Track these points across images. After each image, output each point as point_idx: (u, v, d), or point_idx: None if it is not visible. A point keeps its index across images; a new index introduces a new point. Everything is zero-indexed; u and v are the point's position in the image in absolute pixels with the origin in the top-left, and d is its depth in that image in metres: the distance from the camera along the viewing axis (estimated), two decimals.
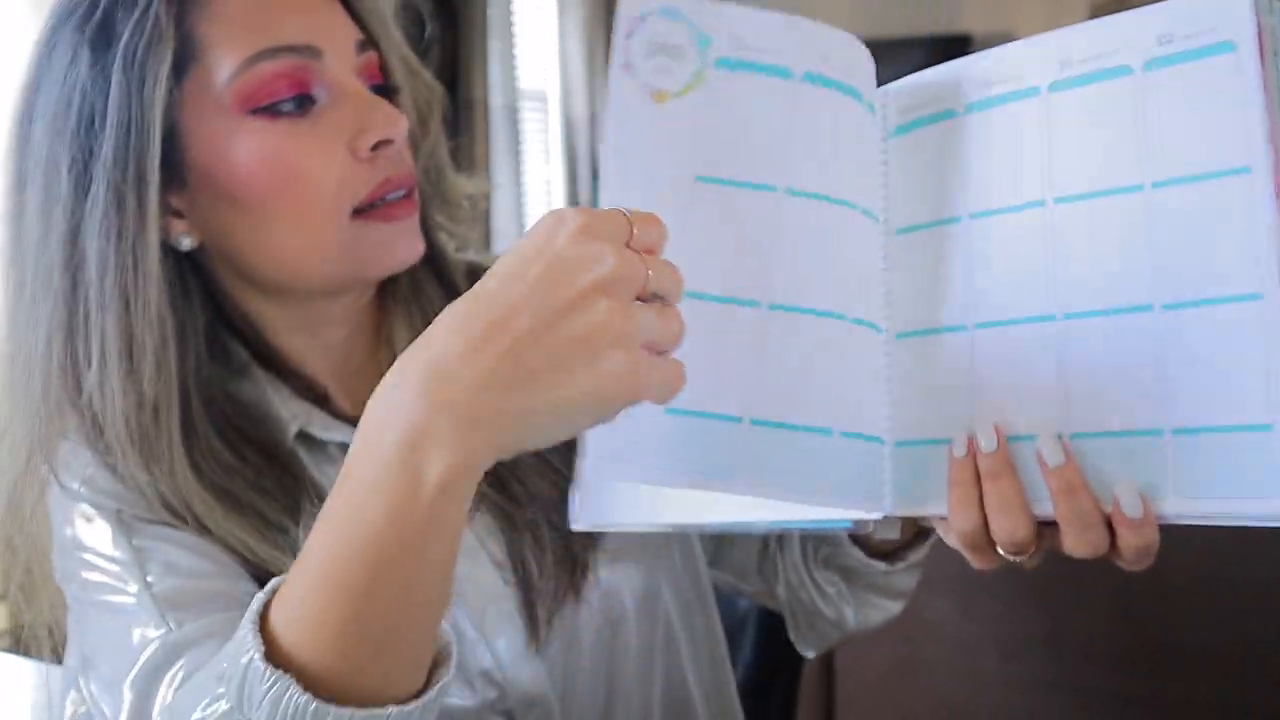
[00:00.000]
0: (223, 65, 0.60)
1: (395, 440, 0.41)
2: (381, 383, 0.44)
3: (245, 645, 0.45)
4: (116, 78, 0.59)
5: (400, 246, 0.65)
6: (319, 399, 0.69)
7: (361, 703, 0.44)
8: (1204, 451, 0.46)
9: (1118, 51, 0.51)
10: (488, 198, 0.75)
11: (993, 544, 0.53)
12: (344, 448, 0.67)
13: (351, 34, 0.65)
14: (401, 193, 0.65)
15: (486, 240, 3.62)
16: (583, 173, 4.43)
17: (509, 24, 3.94)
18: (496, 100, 3.81)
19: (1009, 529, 0.51)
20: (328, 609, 0.44)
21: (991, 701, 1.51)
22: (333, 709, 0.43)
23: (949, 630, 1.53)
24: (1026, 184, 0.53)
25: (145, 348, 0.60)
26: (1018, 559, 0.53)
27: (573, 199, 4.45)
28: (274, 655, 0.45)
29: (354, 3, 0.67)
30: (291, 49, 0.61)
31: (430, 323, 0.67)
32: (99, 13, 0.60)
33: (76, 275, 0.60)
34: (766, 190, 0.55)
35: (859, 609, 0.81)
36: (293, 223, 0.63)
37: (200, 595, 0.60)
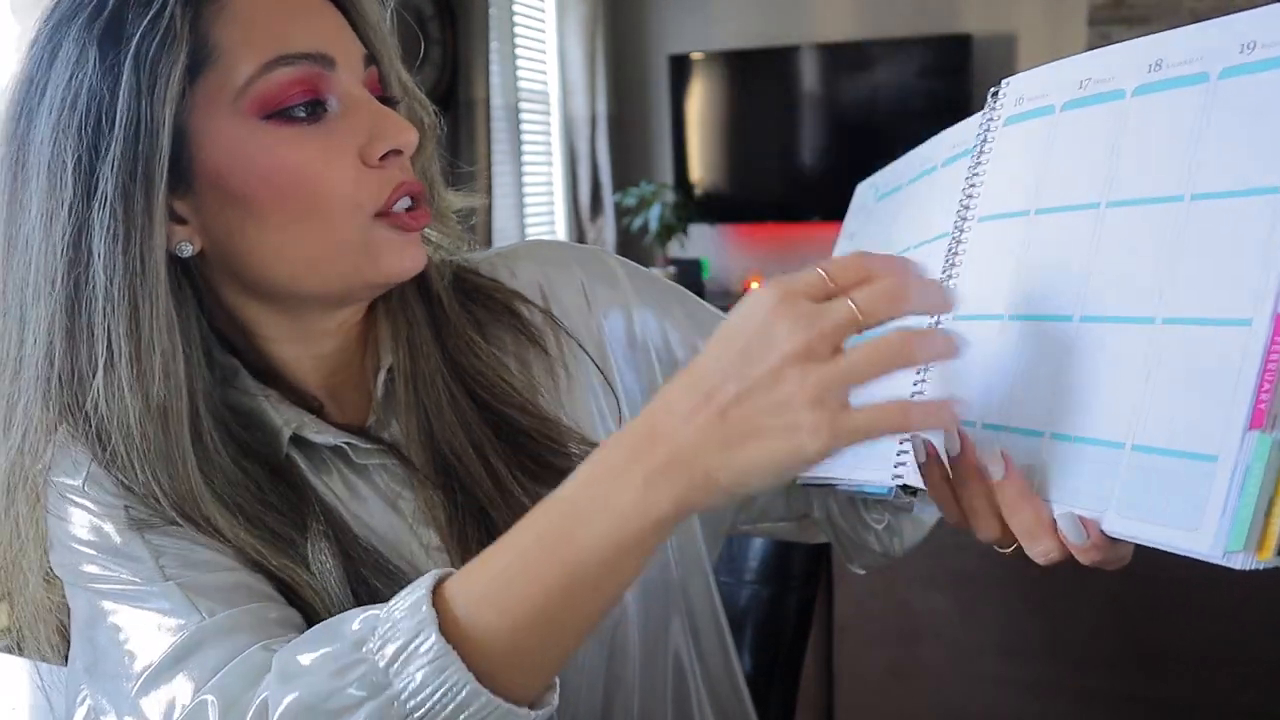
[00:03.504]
0: (239, 69, 0.60)
1: (627, 475, 0.49)
2: (614, 435, 0.51)
3: (414, 616, 0.49)
4: (127, 78, 0.58)
5: (409, 255, 0.65)
6: (310, 408, 0.69)
7: (502, 695, 0.49)
8: (1153, 473, 0.45)
9: (1201, 58, 0.49)
10: (474, 212, 0.76)
11: None
12: (338, 452, 0.68)
13: (358, 48, 0.66)
14: (411, 201, 0.65)
15: (488, 239, 3.62)
16: (582, 173, 4.43)
17: (509, 24, 3.94)
18: (497, 100, 3.81)
19: (980, 531, 0.52)
20: (520, 597, 0.49)
21: (989, 702, 1.51)
22: (485, 695, 0.48)
23: (947, 632, 1.54)
24: (1086, 186, 0.53)
25: (154, 350, 0.60)
26: (1005, 551, 0.54)
27: (572, 199, 4.45)
28: (443, 628, 0.49)
29: (357, 19, 0.67)
30: (308, 56, 0.61)
31: (415, 335, 0.71)
32: (107, 12, 0.60)
33: (80, 278, 0.59)
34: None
35: (904, 534, 0.84)
36: (304, 227, 0.62)
37: (224, 585, 0.60)
